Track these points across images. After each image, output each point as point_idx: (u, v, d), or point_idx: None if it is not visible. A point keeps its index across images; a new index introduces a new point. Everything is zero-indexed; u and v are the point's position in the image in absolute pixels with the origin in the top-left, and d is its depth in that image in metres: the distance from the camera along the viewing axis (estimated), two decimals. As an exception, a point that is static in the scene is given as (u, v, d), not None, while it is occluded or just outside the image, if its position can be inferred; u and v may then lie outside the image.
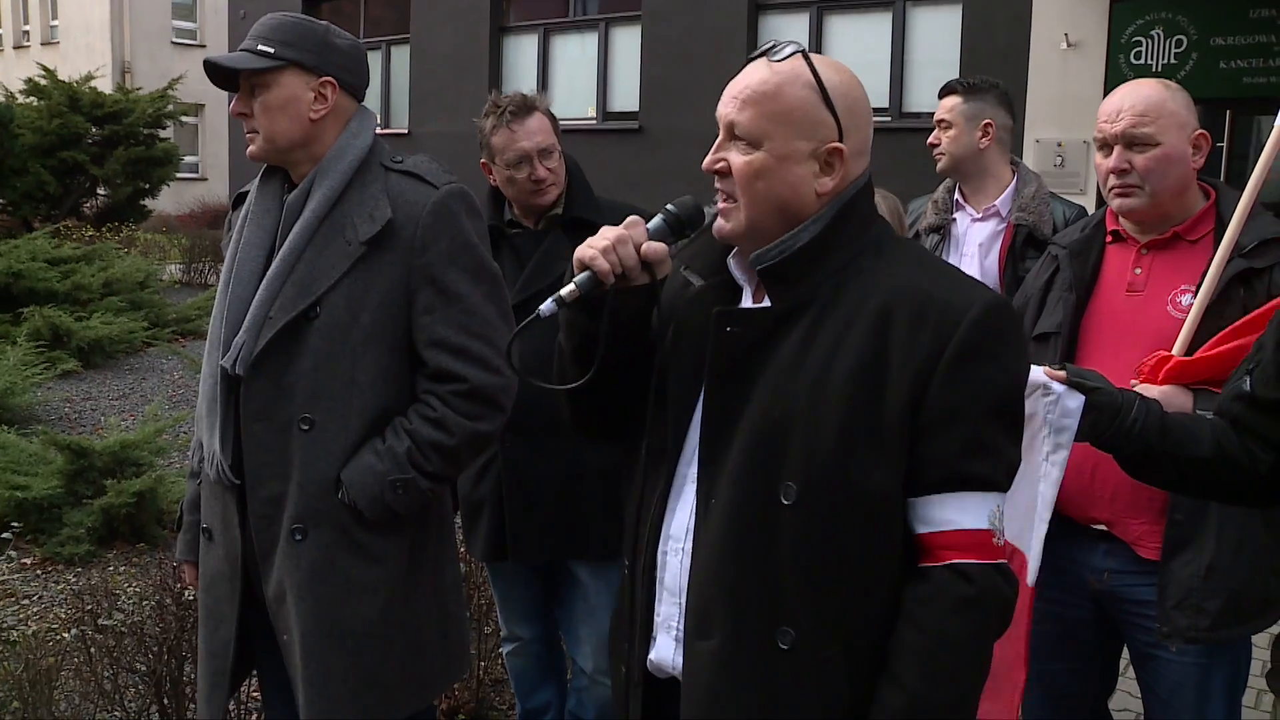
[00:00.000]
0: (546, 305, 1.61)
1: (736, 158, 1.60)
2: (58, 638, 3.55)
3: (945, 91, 3.52)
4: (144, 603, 3.30)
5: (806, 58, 1.59)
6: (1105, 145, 2.28)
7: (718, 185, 1.63)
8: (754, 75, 1.61)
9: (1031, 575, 1.95)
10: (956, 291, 1.55)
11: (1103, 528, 2.30)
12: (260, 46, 2.17)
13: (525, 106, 2.88)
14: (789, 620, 1.54)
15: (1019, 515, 1.93)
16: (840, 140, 1.58)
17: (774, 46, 1.62)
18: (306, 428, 2.13)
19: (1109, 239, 2.39)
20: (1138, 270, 2.32)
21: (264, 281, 2.17)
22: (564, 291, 1.60)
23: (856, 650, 1.55)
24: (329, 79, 2.19)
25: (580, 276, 1.61)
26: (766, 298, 1.63)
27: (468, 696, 3.64)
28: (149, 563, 4.68)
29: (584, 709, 3.15)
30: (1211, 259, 2.20)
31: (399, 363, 2.18)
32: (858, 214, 1.62)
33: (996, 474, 1.54)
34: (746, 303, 1.67)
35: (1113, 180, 2.26)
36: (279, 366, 2.14)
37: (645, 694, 1.71)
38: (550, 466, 2.88)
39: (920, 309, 1.52)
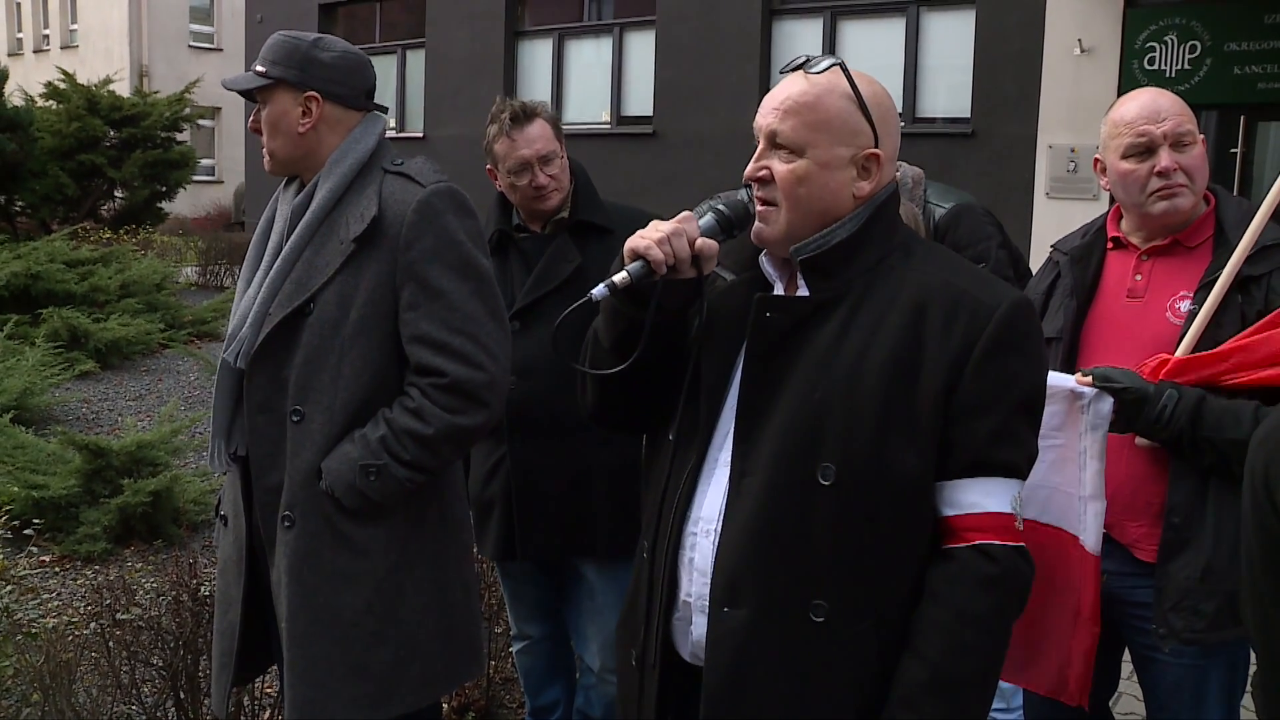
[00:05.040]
0: (598, 289, 1.67)
1: (779, 165, 1.68)
2: (77, 632, 3.60)
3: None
4: (161, 598, 3.35)
5: (844, 69, 1.68)
6: (1145, 150, 2.26)
7: (758, 192, 1.71)
8: (793, 87, 1.69)
9: (1093, 546, 2.17)
10: (986, 289, 1.65)
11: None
12: (257, 67, 2.30)
13: (525, 114, 2.90)
14: (823, 595, 1.61)
15: (1059, 502, 2.19)
16: (877, 146, 1.68)
17: (809, 60, 1.69)
18: (297, 419, 2.22)
19: (1110, 245, 2.41)
20: (1138, 276, 2.34)
21: (267, 280, 2.27)
22: (617, 278, 1.66)
23: (887, 625, 1.62)
24: (312, 93, 2.27)
25: (633, 264, 1.67)
26: (798, 293, 1.71)
27: (478, 694, 3.68)
28: (165, 560, 4.73)
29: (592, 707, 3.18)
30: (1210, 265, 2.23)
31: (386, 358, 2.24)
32: (887, 216, 1.72)
33: (1019, 461, 1.64)
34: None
35: (1157, 182, 2.26)
36: (277, 361, 2.23)
37: (662, 679, 1.75)
38: (559, 466, 2.91)
39: (954, 304, 1.62)
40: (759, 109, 1.72)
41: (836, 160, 1.66)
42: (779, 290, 1.75)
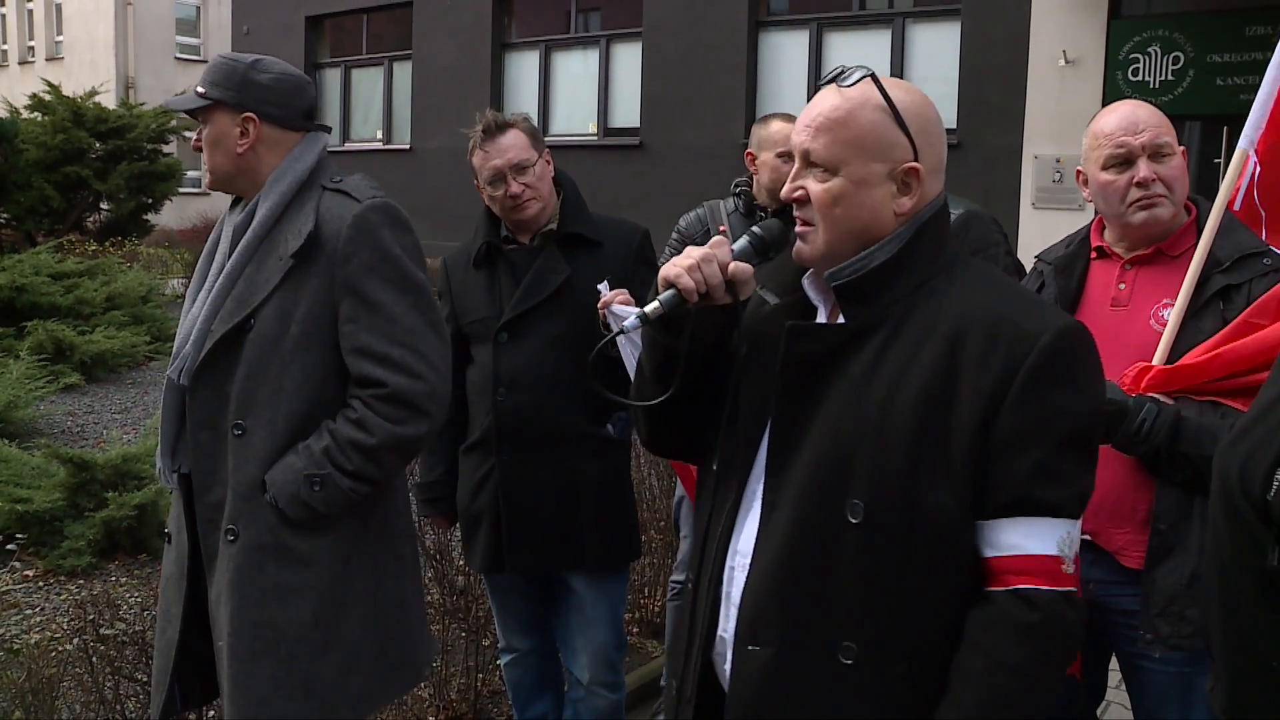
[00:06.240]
0: (630, 320, 1.63)
1: (814, 185, 1.61)
2: (60, 648, 3.58)
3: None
4: (145, 613, 3.34)
5: (876, 80, 1.60)
6: (1125, 160, 2.29)
7: (797, 213, 1.65)
8: (825, 102, 1.61)
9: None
10: (1029, 315, 1.55)
11: (1086, 538, 2.33)
12: (198, 88, 2.34)
13: (498, 125, 2.92)
14: (852, 636, 1.54)
15: None
16: (916, 159, 1.60)
17: (843, 72, 1.62)
18: (239, 433, 2.24)
19: (1093, 255, 2.44)
20: (1121, 285, 2.36)
21: (210, 298, 2.29)
22: (648, 308, 1.62)
23: (922, 669, 1.54)
24: (249, 114, 2.31)
25: (665, 294, 1.62)
26: (840, 317, 1.64)
27: (465, 708, 3.66)
28: (150, 574, 4.70)
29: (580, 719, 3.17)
30: None
31: (327, 372, 2.26)
32: (933, 235, 1.63)
33: (1067, 500, 1.53)
34: (821, 321, 1.68)
35: (1136, 193, 2.28)
36: (219, 377, 2.26)
37: (700, 712, 1.69)
38: (547, 479, 2.91)
39: (992, 332, 1.52)
40: (794, 126, 1.66)
41: (872, 177, 1.58)
42: (822, 314, 1.68)
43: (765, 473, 1.63)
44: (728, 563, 1.67)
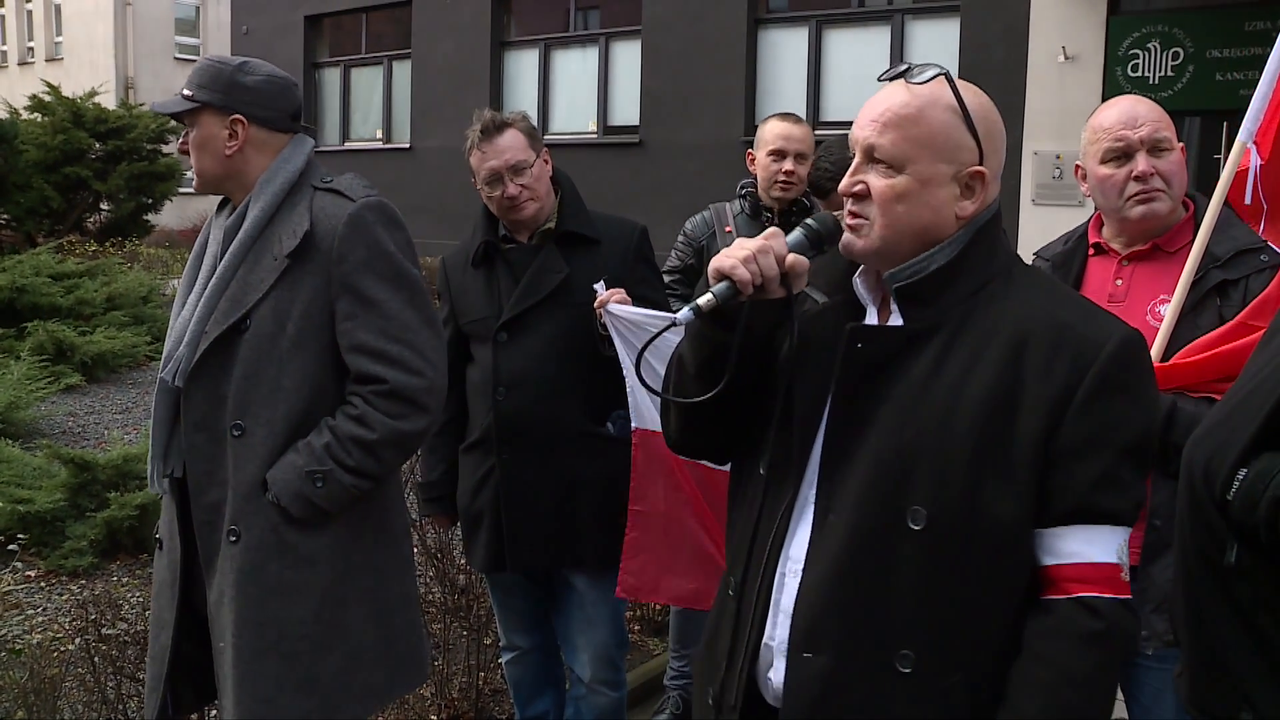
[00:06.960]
0: (683, 313, 1.58)
1: (877, 181, 1.58)
2: (62, 648, 3.58)
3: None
4: (147, 613, 3.33)
5: (949, 80, 1.58)
6: (1123, 155, 2.30)
7: (851, 207, 1.61)
8: (894, 98, 1.58)
9: None
10: (1093, 323, 1.55)
11: None
12: (184, 91, 2.35)
13: (495, 125, 2.91)
14: (910, 644, 1.52)
15: None
16: (981, 163, 1.58)
17: (911, 68, 1.59)
18: (238, 434, 2.25)
19: (1091, 251, 2.44)
20: (1118, 281, 2.37)
21: (202, 299, 2.30)
22: (701, 300, 1.56)
23: (980, 679, 1.52)
24: (238, 116, 2.32)
25: (718, 286, 1.56)
26: (891, 318, 1.62)
27: (467, 706, 3.67)
28: (151, 574, 4.71)
29: (581, 718, 3.17)
30: None
31: (326, 370, 2.28)
32: (989, 239, 1.61)
33: (1126, 509, 1.53)
34: (871, 322, 1.65)
35: (1135, 186, 2.29)
36: (215, 378, 2.27)
37: None
38: (547, 477, 2.92)
39: (1057, 339, 1.52)
40: (856, 119, 1.62)
41: (938, 177, 1.56)
42: (872, 314, 1.65)
43: (819, 478, 1.60)
44: (779, 569, 1.63)
